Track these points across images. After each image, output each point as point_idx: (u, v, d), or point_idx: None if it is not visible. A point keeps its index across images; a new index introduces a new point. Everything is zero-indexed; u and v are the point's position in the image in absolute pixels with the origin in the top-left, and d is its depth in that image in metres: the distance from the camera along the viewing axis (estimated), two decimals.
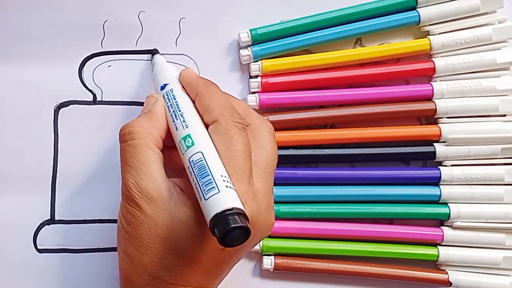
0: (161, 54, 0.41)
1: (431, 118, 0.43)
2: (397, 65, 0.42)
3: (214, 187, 0.29)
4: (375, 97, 0.42)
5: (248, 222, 0.29)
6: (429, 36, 0.42)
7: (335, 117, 0.42)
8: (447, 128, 0.42)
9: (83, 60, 0.42)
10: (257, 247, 0.41)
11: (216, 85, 0.36)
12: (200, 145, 0.32)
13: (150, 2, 0.42)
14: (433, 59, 0.42)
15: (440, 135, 0.42)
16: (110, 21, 0.42)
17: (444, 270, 0.42)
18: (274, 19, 0.42)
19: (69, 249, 0.41)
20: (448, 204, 0.42)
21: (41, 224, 0.41)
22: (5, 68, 0.41)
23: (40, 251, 0.41)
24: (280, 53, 0.41)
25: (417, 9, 0.42)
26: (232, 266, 0.35)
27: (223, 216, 0.28)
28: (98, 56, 0.42)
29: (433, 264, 0.43)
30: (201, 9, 0.42)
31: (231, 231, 0.28)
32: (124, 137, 0.34)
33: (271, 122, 0.41)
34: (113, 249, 0.41)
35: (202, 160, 0.31)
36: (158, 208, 0.32)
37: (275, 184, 0.41)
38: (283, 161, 0.41)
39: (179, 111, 0.35)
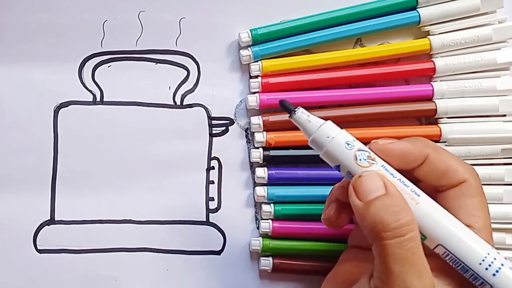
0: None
1: (431, 118, 0.43)
2: (397, 65, 0.42)
3: (482, 282, 0.28)
4: (375, 97, 0.42)
5: None
6: (429, 36, 0.42)
7: (335, 117, 0.41)
8: (447, 128, 0.42)
9: (83, 60, 0.42)
10: (257, 247, 0.41)
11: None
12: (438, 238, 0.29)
13: (150, 2, 0.42)
14: (433, 59, 0.42)
15: (440, 135, 0.42)
16: (110, 21, 0.42)
17: None
18: (275, 19, 0.42)
19: (69, 249, 0.41)
20: None
21: (41, 224, 0.41)
22: (5, 68, 0.41)
23: (40, 251, 0.41)
24: (281, 53, 0.41)
25: (417, 9, 0.42)
26: None
27: None
28: (98, 56, 0.42)
29: None
30: (201, 9, 0.42)
31: None
32: (402, 230, 0.29)
33: (271, 122, 0.41)
34: (113, 250, 0.41)
35: (448, 255, 0.29)
36: None
37: (275, 184, 0.41)
38: (283, 161, 0.41)
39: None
